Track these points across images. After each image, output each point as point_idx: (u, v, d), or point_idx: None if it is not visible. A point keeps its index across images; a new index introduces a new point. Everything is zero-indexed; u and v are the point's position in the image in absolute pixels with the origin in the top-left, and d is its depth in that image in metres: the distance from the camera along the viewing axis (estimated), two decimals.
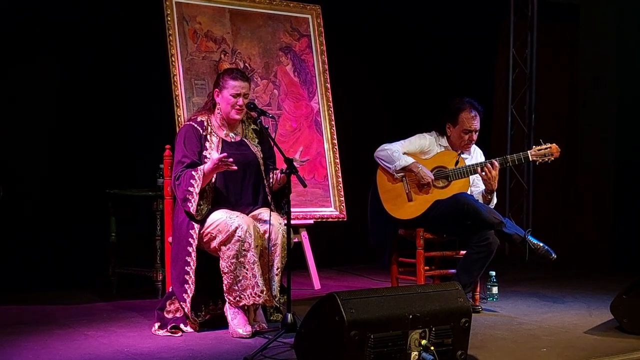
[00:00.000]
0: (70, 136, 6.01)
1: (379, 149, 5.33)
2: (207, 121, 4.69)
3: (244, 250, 4.42)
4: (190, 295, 4.49)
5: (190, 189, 4.45)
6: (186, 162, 4.55)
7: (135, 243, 5.89)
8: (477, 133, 5.31)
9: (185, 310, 4.51)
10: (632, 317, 4.51)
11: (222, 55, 5.94)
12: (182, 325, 4.53)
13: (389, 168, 5.27)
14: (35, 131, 5.90)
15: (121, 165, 6.16)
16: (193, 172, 4.48)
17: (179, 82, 5.68)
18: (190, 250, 4.49)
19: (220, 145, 4.65)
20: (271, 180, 4.76)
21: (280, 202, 4.77)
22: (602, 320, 4.84)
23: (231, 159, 4.42)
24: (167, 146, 4.98)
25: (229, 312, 4.50)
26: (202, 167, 4.50)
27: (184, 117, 5.58)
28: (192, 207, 4.47)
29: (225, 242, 4.43)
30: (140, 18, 6.13)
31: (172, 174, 4.65)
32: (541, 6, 8.28)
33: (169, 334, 4.48)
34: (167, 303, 4.59)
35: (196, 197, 4.47)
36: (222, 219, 4.46)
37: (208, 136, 4.66)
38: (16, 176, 5.80)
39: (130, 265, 5.74)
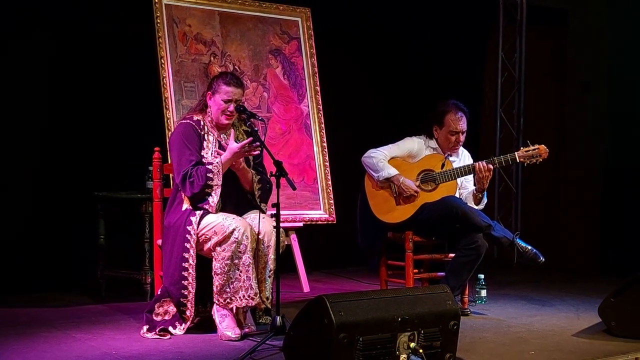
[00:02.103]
0: (59, 138, 5.99)
1: (365, 154, 5.34)
2: (203, 121, 4.69)
3: (240, 252, 4.41)
4: (192, 291, 4.49)
5: (210, 182, 4.46)
6: (195, 159, 4.53)
7: (124, 245, 5.88)
8: (464, 134, 5.32)
9: (189, 305, 4.50)
10: (620, 320, 4.53)
11: (212, 58, 5.94)
12: (170, 328, 4.52)
13: (374, 176, 5.29)
14: (25, 133, 5.88)
15: (110, 167, 6.14)
16: (209, 166, 4.48)
17: (168, 85, 5.67)
18: (189, 246, 4.48)
19: (216, 146, 4.65)
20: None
21: (255, 197, 4.73)
22: (590, 324, 4.86)
23: (257, 143, 4.47)
24: (157, 148, 4.97)
25: (217, 314, 4.49)
26: (218, 159, 4.51)
27: (173, 120, 5.57)
28: (213, 200, 4.48)
29: (221, 242, 4.42)
30: (131, 20, 6.11)
31: (177, 172, 4.56)
32: (530, 10, 8.30)
33: (158, 336, 4.47)
34: (156, 306, 4.58)
35: (218, 190, 4.48)
36: (218, 220, 4.46)
37: (205, 135, 4.66)
38: (5, 178, 5.78)
39: (119, 267, 5.73)
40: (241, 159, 4.61)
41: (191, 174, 4.48)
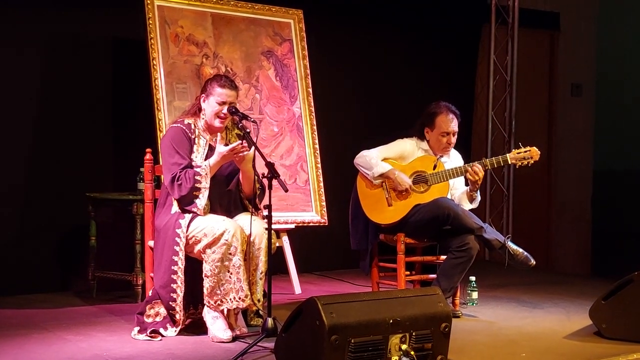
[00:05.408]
0: (51, 139, 5.97)
1: (357, 155, 5.34)
2: (194, 124, 4.69)
3: (230, 254, 4.41)
4: (181, 294, 4.48)
5: (198, 185, 4.46)
6: (184, 163, 4.54)
7: (115, 247, 5.86)
8: (455, 136, 5.32)
9: (177, 309, 4.50)
10: (611, 323, 4.54)
11: (204, 59, 5.93)
12: (161, 330, 4.51)
13: (367, 174, 5.29)
14: (16, 133, 5.86)
15: (102, 168, 6.13)
16: (197, 169, 4.49)
17: (160, 86, 5.66)
18: (178, 250, 4.47)
19: (207, 149, 4.65)
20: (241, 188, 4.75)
21: (255, 200, 4.75)
22: (581, 326, 4.87)
23: (245, 145, 4.48)
24: (148, 150, 4.96)
25: (208, 316, 4.49)
26: (206, 162, 4.52)
27: (165, 121, 5.56)
28: (201, 203, 4.47)
29: (211, 245, 4.42)
30: (123, 21, 6.11)
31: (166, 176, 4.57)
32: (522, 13, 8.34)
33: (149, 338, 4.46)
34: (147, 307, 4.57)
35: (205, 193, 4.47)
36: (207, 223, 4.45)
37: (196, 139, 4.65)
38: None
39: (110, 269, 5.71)
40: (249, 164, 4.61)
41: (179, 176, 4.49)
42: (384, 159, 5.32)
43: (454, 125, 5.30)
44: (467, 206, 5.28)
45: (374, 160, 5.26)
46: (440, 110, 5.31)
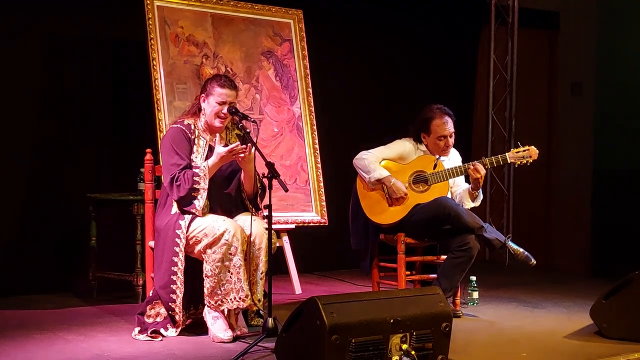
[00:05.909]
0: (51, 140, 5.97)
1: (357, 156, 5.34)
2: (194, 124, 4.69)
3: (230, 254, 4.41)
4: (180, 295, 4.48)
5: (196, 186, 4.45)
6: (183, 164, 4.54)
7: (115, 247, 5.86)
8: (452, 137, 5.31)
9: (177, 310, 4.50)
10: (611, 322, 4.54)
11: (204, 60, 5.93)
12: (162, 330, 4.51)
13: (364, 178, 5.29)
14: (16, 134, 5.86)
15: (102, 168, 6.13)
16: (196, 170, 4.48)
17: (160, 86, 5.66)
18: (178, 250, 4.48)
19: (207, 149, 4.65)
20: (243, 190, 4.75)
21: (256, 200, 4.75)
22: (582, 325, 4.87)
23: (244, 146, 4.47)
24: (148, 150, 4.96)
25: (209, 316, 4.49)
26: (205, 163, 4.51)
27: (165, 121, 5.56)
28: (199, 204, 4.46)
29: (212, 245, 4.42)
30: (123, 21, 6.11)
31: (165, 176, 4.57)
32: (522, 13, 8.33)
33: (149, 338, 4.46)
34: (148, 308, 4.57)
35: (204, 194, 4.47)
36: (208, 223, 4.45)
37: (196, 139, 4.66)
38: None
39: (110, 269, 5.71)
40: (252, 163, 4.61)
41: (178, 177, 4.48)
42: (384, 159, 5.32)
43: (449, 127, 5.29)
44: (469, 204, 5.28)
45: (372, 165, 5.26)
46: (434, 114, 5.30)
